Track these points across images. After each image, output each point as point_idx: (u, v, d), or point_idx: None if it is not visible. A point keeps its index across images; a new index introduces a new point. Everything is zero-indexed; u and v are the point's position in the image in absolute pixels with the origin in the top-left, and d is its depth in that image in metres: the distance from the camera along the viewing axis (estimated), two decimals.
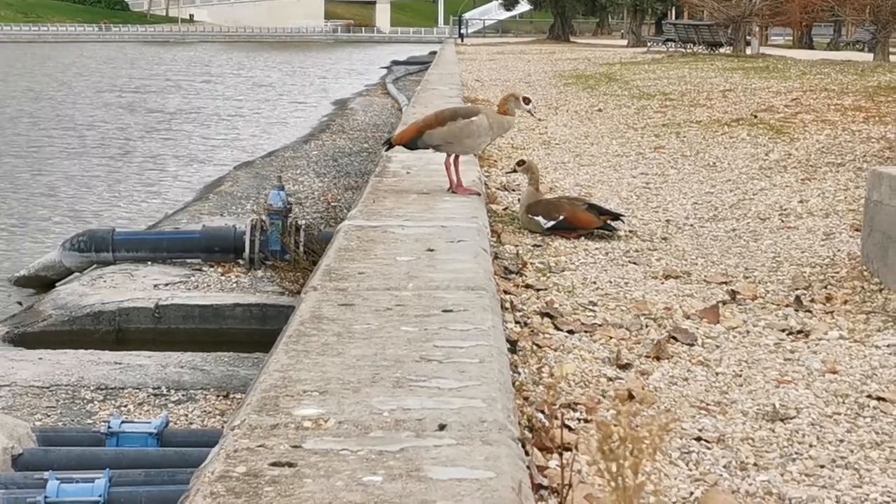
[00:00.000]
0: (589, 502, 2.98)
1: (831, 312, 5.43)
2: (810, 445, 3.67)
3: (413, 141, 7.43)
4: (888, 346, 4.82)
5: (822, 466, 3.49)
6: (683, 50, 39.32)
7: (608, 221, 7.42)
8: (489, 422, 3.08)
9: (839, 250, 6.82)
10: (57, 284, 9.70)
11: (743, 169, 10.43)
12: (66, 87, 40.85)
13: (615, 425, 2.50)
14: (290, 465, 2.78)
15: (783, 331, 5.10)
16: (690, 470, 3.46)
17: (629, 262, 6.65)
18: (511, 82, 24.39)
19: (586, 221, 7.36)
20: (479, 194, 7.43)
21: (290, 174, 15.53)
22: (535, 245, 7.05)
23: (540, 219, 7.38)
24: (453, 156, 7.38)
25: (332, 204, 12.39)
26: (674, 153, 11.72)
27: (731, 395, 4.18)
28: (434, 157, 7.70)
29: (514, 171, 8.01)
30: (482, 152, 10.85)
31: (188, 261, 9.81)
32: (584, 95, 19.97)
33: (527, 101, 7.22)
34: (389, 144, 7.75)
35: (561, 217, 7.33)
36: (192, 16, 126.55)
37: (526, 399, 3.97)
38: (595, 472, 3.12)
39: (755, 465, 3.50)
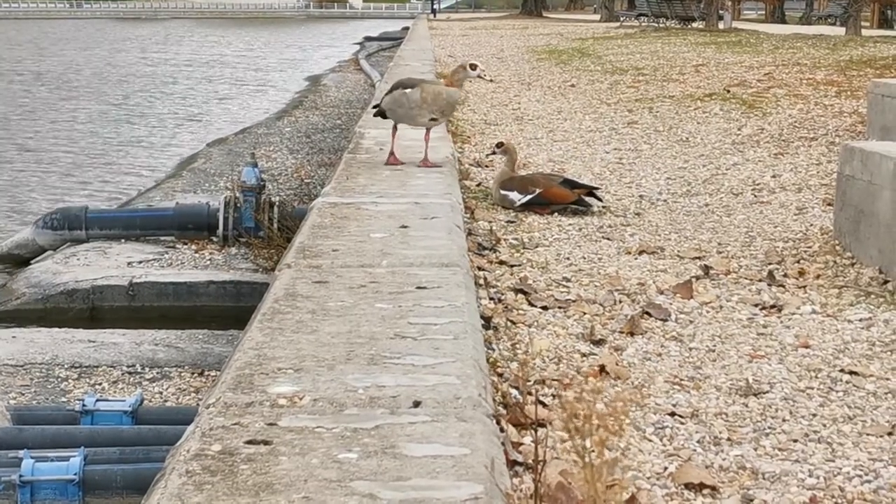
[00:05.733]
0: (563, 478, 2.99)
1: (804, 287, 5.45)
2: (783, 420, 3.69)
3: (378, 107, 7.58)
4: (860, 320, 4.85)
5: (795, 441, 3.51)
6: (656, 25, 39.38)
7: (583, 196, 7.43)
8: (464, 398, 3.09)
9: (812, 225, 6.85)
10: (30, 262, 9.67)
11: (716, 144, 10.45)
12: (35, 64, 40.58)
13: (579, 402, 2.50)
14: (266, 442, 2.78)
15: (756, 305, 5.12)
16: (664, 445, 3.47)
17: (602, 237, 6.66)
18: (484, 57, 24.33)
19: (561, 196, 7.36)
20: (402, 164, 7.43)
21: (264, 151, 15.48)
22: (508, 221, 7.05)
23: (514, 194, 7.37)
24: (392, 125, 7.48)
25: (306, 180, 12.37)
26: (647, 128, 11.73)
27: (704, 371, 4.19)
28: (407, 133, 7.68)
29: (494, 153, 7.96)
30: (454, 127, 10.84)
31: (162, 238, 9.79)
32: (557, 71, 19.95)
33: (473, 67, 7.14)
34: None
35: (536, 191, 7.33)
36: None
37: (500, 375, 3.98)
38: (568, 448, 3.13)
39: (728, 439, 3.52)
